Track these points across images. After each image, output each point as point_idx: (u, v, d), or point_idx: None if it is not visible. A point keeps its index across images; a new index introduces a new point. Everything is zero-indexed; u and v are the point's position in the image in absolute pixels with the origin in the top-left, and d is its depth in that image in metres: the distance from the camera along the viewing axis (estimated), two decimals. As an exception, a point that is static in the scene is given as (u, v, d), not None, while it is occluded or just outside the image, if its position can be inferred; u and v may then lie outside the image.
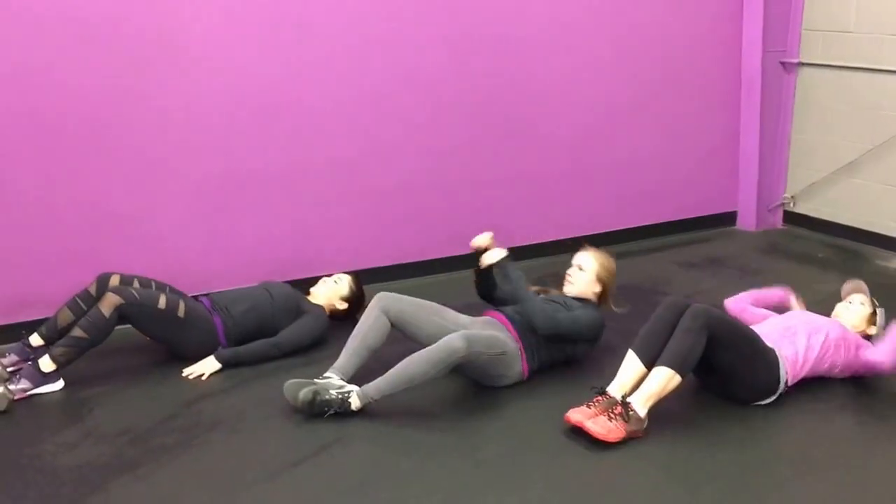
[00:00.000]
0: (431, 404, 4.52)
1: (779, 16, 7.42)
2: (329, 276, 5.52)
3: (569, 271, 4.99)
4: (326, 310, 5.37)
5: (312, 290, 5.45)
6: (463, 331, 4.47)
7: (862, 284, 5.07)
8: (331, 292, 5.43)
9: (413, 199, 6.37)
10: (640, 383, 4.25)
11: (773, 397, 4.49)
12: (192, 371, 4.86)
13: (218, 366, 4.89)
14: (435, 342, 4.48)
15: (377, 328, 4.64)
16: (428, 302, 4.84)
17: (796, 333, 4.58)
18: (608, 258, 5.02)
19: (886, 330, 4.73)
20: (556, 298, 4.91)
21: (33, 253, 5.26)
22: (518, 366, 4.68)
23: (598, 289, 4.96)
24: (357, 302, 5.44)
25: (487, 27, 6.40)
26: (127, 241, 5.46)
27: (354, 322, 4.81)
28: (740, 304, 5.19)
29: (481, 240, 4.92)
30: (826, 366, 4.63)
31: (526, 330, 4.72)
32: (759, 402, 4.49)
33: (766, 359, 4.42)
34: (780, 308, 5.11)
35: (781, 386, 4.46)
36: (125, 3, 5.23)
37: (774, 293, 5.24)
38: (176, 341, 4.95)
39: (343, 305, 5.43)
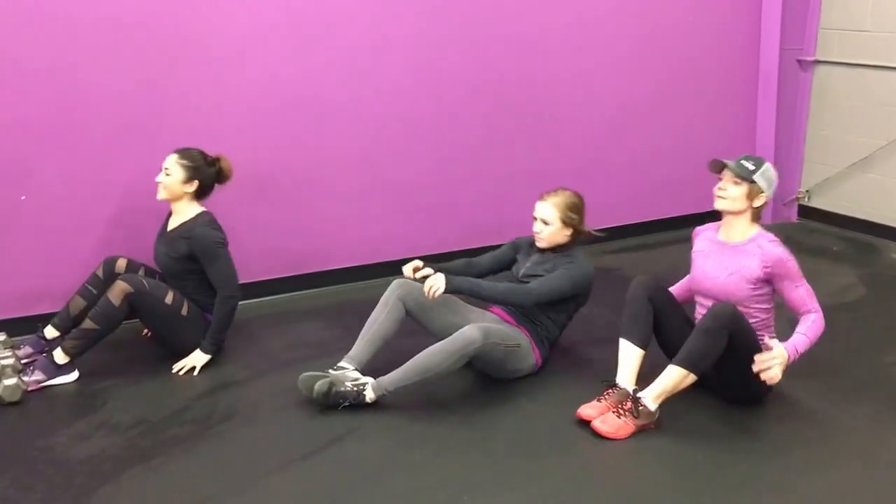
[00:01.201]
0: (444, 397, 4.52)
1: (796, 15, 7.44)
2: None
3: (535, 227, 4.83)
4: (188, 200, 4.99)
5: (158, 197, 4.96)
6: (479, 323, 4.46)
7: (720, 163, 4.47)
8: (171, 187, 4.93)
9: (430, 193, 6.37)
10: (642, 365, 4.28)
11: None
12: (182, 366, 4.81)
13: (207, 357, 4.84)
14: (446, 333, 4.49)
15: (393, 317, 4.62)
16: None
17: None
18: (567, 197, 4.84)
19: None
20: (537, 269, 4.82)
21: (54, 247, 5.28)
22: (531, 357, 4.69)
23: (567, 232, 4.81)
24: (204, 168, 4.98)
25: (506, 25, 6.42)
26: (150, 235, 5.44)
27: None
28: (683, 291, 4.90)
29: (409, 273, 4.71)
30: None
31: (524, 318, 4.72)
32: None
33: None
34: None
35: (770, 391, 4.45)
36: (153, 5, 5.27)
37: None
38: (173, 338, 4.91)
39: (193, 186, 4.95)
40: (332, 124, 5.95)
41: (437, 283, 4.43)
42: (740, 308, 4.25)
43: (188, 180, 4.93)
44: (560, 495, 3.70)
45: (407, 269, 4.70)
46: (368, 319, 4.65)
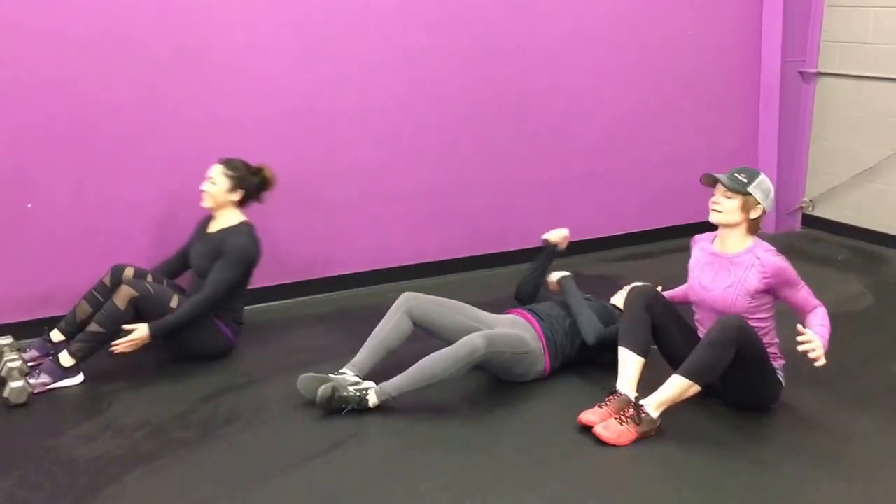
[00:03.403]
0: (447, 400, 4.53)
1: (798, 27, 7.48)
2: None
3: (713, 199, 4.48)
4: (231, 208, 5.11)
5: (203, 205, 5.09)
6: (485, 330, 4.48)
7: (711, 177, 4.42)
8: (216, 195, 5.06)
9: (432, 202, 6.40)
10: (642, 372, 4.28)
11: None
12: (120, 342, 4.73)
13: (147, 336, 4.74)
14: (458, 333, 4.54)
15: (398, 330, 4.64)
16: (450, 300, 4.82)
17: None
18: None
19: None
20: (598, 309, 4.94)
21: (61, 252, 5.32)
22: (541, 364, 4.71)
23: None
24: (248, 177, 5.11)
25: (510, 37, 6.46)
26: (154, 242, 5.50)
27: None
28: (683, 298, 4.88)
29: (555, 235, 5.01)
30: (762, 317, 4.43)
31: (552, 330, 4.74)
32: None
33: (771, 380, 4.38)
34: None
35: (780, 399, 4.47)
36: (158, 17, 5.33)
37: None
38: (182, 343, 4.96)
39: (237, 195, 5.09)
40: (333, 134, 5.99)
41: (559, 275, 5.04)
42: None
43: (233, 189, 5.06)
44: (562, 501, 3.71)
45: (554, 234, 5.21)
46: (374, 330, 4.67)
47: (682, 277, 4.73)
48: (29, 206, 5.20)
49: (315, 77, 5.86)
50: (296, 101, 5.83)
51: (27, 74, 5.06)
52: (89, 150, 5.30)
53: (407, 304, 4.69)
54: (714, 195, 4.39)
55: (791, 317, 4.38)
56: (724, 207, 4.33)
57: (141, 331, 4.73)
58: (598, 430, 4.11)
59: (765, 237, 6.09)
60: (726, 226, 4.38)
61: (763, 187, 4.34)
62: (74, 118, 5.23)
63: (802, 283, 4.34)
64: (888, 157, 7.10)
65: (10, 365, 4.60)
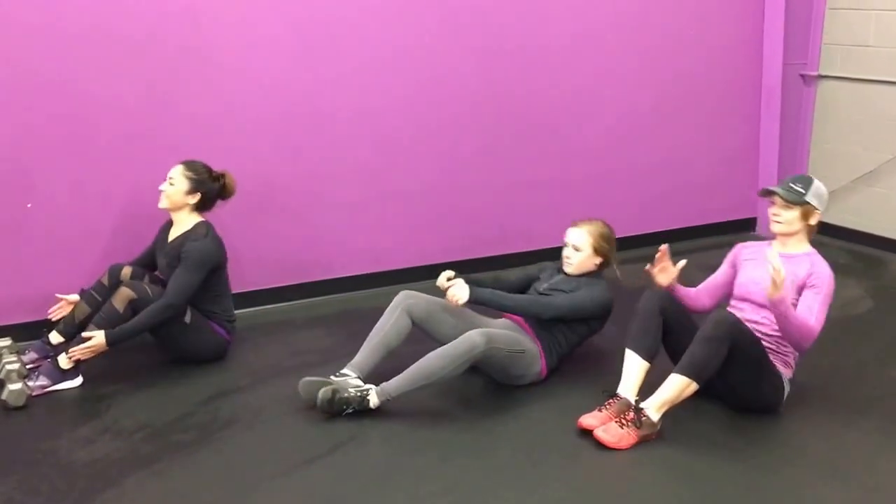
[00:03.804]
0: (447, 404, 4.53)
1: (799, 30, 7.48)
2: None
3: (565, 252, 4.91)
4: (188, 211, 5.01)
5: (160, 206, 5.00)
6: (483, 328, 4.47)
7: (771, 189, 4.52)
8: (173, 196, 4.96)
9: (436, 203, 6.39)
10: (645, 378, 4.28)
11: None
12: (76, 349, 4.62)
13: (104, 344, 4.61)
14: (453, 336, 4.52)
15: (398, 328, 4.64)
16: (447, 301, 4.81)
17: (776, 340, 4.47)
18: (602, 226, 4.95)
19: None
20: (559, 285, 4.87)
21: (60, 253, 5.31)
22: (537, 365, 4.70)
23: (598, 261, 4.92)
24: (208, 182, 5.02)
25: (511, 38, 6.46)
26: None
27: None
28: (696, 299, 4.86)
29: (443, 282, 4.74)
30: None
31: (541, 328, 4.73)
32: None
33: (772, 381, 4.38)
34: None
35: (783, 404, 4.47)
36: (160, 16, 5.31)
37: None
38: (178, 345, 4.94)
39: (195, 198, 4.98)
40: (334, 135, 5.97)
41: (460, 293, 4.49)
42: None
43: (191, 192, 4.97)
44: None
45: (441, 280, 4.74)
46: (373, 329, 4.67)
47: (683, 281, 4.73)
48: (28, 206, 5.18)
49: (315, 77, 5.84)
50: (296, 102, 5.81)
51: (27, 73, 5.05)
52: (89, 150, 5.29)
53: (406, 302, 4.70)
54: (772, 207, 4.50)
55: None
56: (785, 218, 4.47)
57: (98, 338, 4.62)
58: (599, 433, 4.11)
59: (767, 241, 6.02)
60: (787, 235, 4.51)
61: (818, 193, 4.47)
62: (75, 118, 5.21)
63: (825, 303, 4.35)
64: (888, 160, 7.10)
65: (8, 367, 4.59)
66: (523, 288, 5.10)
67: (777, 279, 4.01)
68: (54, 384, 4.63)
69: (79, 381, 4.70)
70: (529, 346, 4.65)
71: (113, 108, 5.29)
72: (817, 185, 4.47)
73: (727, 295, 4.77)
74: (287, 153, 5.82)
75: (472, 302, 4.54)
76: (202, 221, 5.04)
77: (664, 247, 4.66)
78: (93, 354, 4.67)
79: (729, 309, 4.57)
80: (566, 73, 6.74)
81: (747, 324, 4.32)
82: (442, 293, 4.69)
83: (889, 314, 5.99)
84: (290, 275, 5.97)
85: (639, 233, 7.24)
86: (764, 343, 4.34)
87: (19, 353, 4.85)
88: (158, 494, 3.76)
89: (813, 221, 4.48)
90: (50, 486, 3.78)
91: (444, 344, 4.50)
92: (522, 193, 6.70)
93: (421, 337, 4.74)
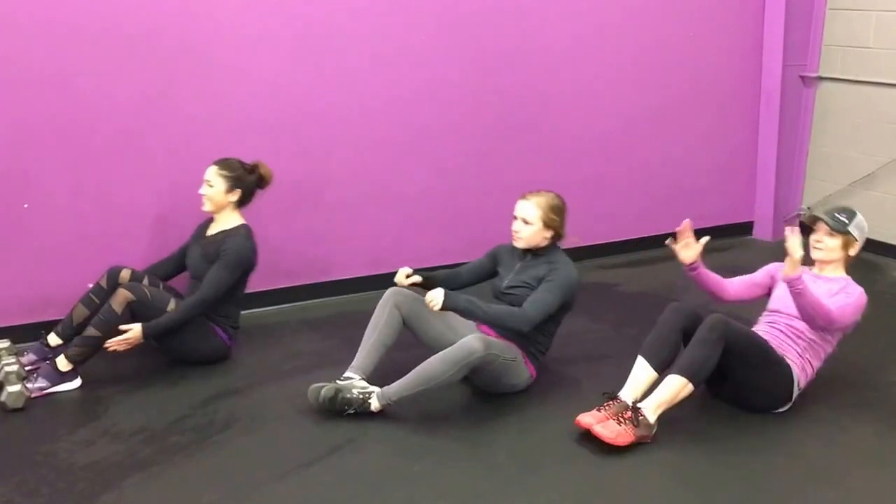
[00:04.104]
0: (444, 409, 4.54)
1: (799, 31, 7.46)
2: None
3: (514, 227, 4.77)
4: (231, 210, 5.10)
5: (204, 209, 5.10)
6: (479, 334, 4.46)
7: (817, 215, 4.71)
8: (215, 198, 5.05)
9: (432, 204, 6.39)
10: (651, 389, 4.28)
11: (788, 406, 4.51)
12: (114, 340, 4.69)
13: (140, 336, 4.72)
14: (438, 344, 4.57)
15: (391, 324, 4.66)
16: None
17: (795, 339, 4.54)
18: (552, 198, 4.80)
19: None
20: (519, 280, 4.77)
21: (58, 254, 5.31)
22: (526, 371, 4.69)
23: (548, 234, 4.76)
24: (245, 176, 5.10)
25: (510, 39, 6.46)
26: (153, 245, 5.50)
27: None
28: (728, 289, 4.97)
29: (402, 280, 4.75)
30: (822, 358, 4.63)
31: (513, 335, 4.67)
32: (774, 411, 4.52)
33: (779, 370, 4.42)
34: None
35: (795, 394, 4.49)
36: (158, 14, 5.31)
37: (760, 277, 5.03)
38: (177, 346, 4.95)
39: (236, 195, 5.07)
40: (333, 135, 5.98)
41: (436, 298, 4.43)
42: (812, 335, 4.50)
43: (230, 190, 5.04)
44: (559, 508, 3.72)
45: (399, 277, 4.75)
46: (367, 329, 4.68)
47: (681, 285, 4.73)
48: (26, 206, 5.19)
49: (313, 77, 5.85)
50: (294, 102, 5.82)
51: (24, 71, 5.04)
52: (87, 150, 5.28)
53: (394, 299, 4.72)
54: (815, 234, 4.67)
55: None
56: (826, 246, 4.64)
57: (135, 331, 4.70)
58: (598, 429, 4.11)
59: (764, 245, 6.03)
60: (826, 262, 4.68)
61: (861, 226, 4.66)
62: (72, 117, 5.21)
63: (852, 305, 4.52)
64: (886, 164, 7.09)
65: (7, 369, 4.60)
66: (476, 283, 5.04)
67: (794, 256, 4.19)
68: (53, 386, 4.63)
69: (77, 383, 4.71)
70: (518, 354, 4.63)
71: (111, 107, 5.29)
72: (860, 218, 4.66)
73: (755, 297, 4.94)
74: (283, 154, 5.81)
75: (447, 309, 4.47)
76: (244, 224, 5.11)
77: (687, 221, 4.74)
78: (129, 346, 4.74)
79: (763, 319, 4.72)
80: (564, 75, 6.74)
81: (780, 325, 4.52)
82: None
83: (885, 319, 5.99)
84: (287, 276, 5.97)
85: (636, 236, 7.26)
86: (800, 344, 4.50)
87: (18, 354, 4.85)
88: (157, 497, 3.76)
89: (852, 252, 4.66)
90: (50, 488, 3.78)
91: (431, 347, 4.58)
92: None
93: (418, 342, 4.77)
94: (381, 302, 4.73)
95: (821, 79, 7.56)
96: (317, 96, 5.88)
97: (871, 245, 7.16)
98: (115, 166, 5.37)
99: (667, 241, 4.71)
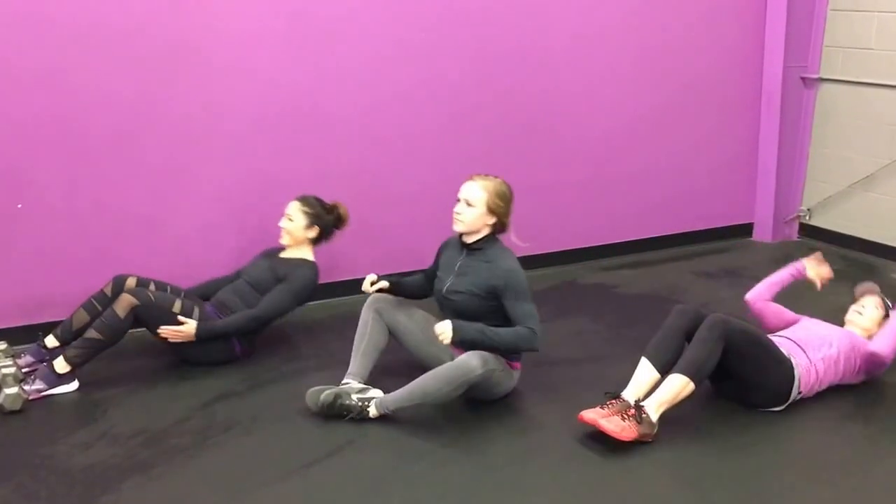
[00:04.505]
0: (443, 410, 4.51)
1: (800, 32, 7.43)
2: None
3: (456, 208, 4.59)
4: (305, 245, 5.32)
5: (281, 241, 5.31)
6: (475, 351, 4.35)
7: (874, 287, 5.10)
8: (293, 232, 5.26)
9: (433, 206, 6.33)
10: (654, 390, 4.28)
11: (785, 405, 4.52)
12: (167, 328, 4.78)
13: (193, 333, 4.82)
14: (419, 353, 4.67)
15: (377, 328, 4.70)
16: (420, 311, 4.83)
17: (808, 347, 4.60)
18: (500, 184, 4.61)
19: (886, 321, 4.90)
20: (459, 284, 4.58)
21: (53, 255, 5.28)
22: (512, 371, 4.60)
23: (491, 220, 4.57)
24: (324, 215, 5.33)
25: (511, 38, 6.43)
26: (148, 245, 5.48)
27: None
28: (761, 299, 5.06)
29: (367, 287, 4.70)
30: (837, 378, 4.68)
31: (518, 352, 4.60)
32: (771, 409, 4.53)
33: (781, 367, 4.45)
34: (798, 283, 5.15)
35: (794, 394, 4.49)
36: (151, 12, 5.27)
37: (787, 274, 5.13)
38: (187, 346, 4.92)
39: (314, 231, 5.30)
40: (332, 135, 5.95)
41: (445, 331, 4.29)
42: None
43: (309, 226, 5.28)
44: (559, 510, 3.71)
45: (365, 284, 4.73)
46: (356, 336, 4.69)
47: (677, 287, 4.74)
48: (19, 206, 5.15)
49: (312, 76, 5.82)
50: (292, 101, 5.79)
51: (15, 67, 5.00)
52: (82, 148, 5.25)
53: (375, 306, 4.75)
54: (861, 300, 5.02)
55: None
56: (870, 315, 4.95)
57: (189, 326, 4.81)
58: (602, 423, 4.10)
59: (764, 246, 6.01)
60: (863, 329, 4.91)
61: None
62: (66, 114, 5.17)
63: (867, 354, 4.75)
64: (885, 166, 7.08)
65: (4, 371, 4.57)
66: (429, 285, 4.89)
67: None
68: (50, 388, 4.60)
69: (75, 385, 4.68)
70: (501, 360, 4.50)
71: (106, 104, 5.25)
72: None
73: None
74: (282, 153, 5.80)
75: (458, 344, 4.35)
76: (314, 262, 5.30)
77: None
78: (179, 338, 4.82)
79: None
80: (565, 76, 6.72)
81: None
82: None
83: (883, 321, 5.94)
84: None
85: (637, 237, 7.24)
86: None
87: (15, 356, 4.83)
88: (156, 499, 3.75)
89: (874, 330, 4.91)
90: (48, 491, 3.77)
91: (413, 354, 4.70)
92: (520, 197, 6.64)
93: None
94: (362, 312, 4.76)
95: (822, 80, 7.53)
96: (316, 95, 5.85)
97: (870, 246, 7.23)
98: (109, 165, 5.34)
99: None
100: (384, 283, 4.75)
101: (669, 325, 4.46)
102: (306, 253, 5.32)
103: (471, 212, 4.57)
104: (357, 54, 5.92)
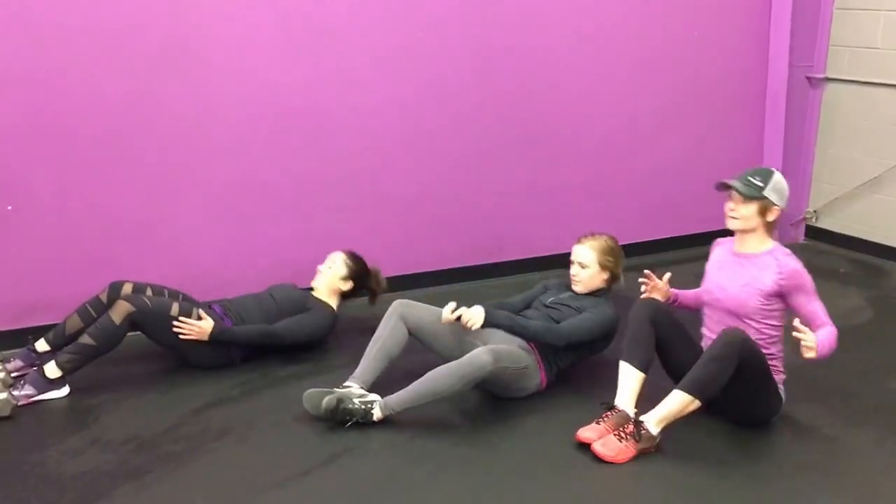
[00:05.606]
0: (445, 416, 4.47)
1: (806, 31, 7.41)
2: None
3: (572, 271, 4.91)
4: (335, 295, 5.37)
5: (313, 283, 5.38)
6: (489, 345, 4.40)
7: (723, 184, 4.40)
8: (330, 279, 5.35)
9: (432, 209, 6.33)
10: (642, 388, 4.22)
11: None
12: (183, 323, 4.78)
13: (208, 330, 4.82)
14: (451, 353, 4.51)
15: (396, 336, 4.61)
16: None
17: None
18: (607, 241, 4.94)
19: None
20: (566, 301, 4.88)
21: (45, 258, 5.21)
22: (537, 377, 4.64)
23: (605, 276, 4.91)
24: (360, 274, 5.43)
25: (511, 38, 6.39)
26: (141, 248, 5.43)
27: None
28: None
29: (448, 316, 4.58)
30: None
31: (541, 342, 4.66)
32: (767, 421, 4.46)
33: (774, 397, 4.34)
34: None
35: (779, 414, 4.43)
36: (145, 11, 5.20)
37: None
38: (187, 349, 4.87)
39: (348, 285, 5.38)
40: (330, 136, 5.90)
41: (474, 316, 4.44)
42: (750, 322, 4.26)
43: (346, 278, 5.37)
44: (561, 517, 3.66)
45: (445, 313, 4.57)
46: (372, 339, 4.63)
47: (681, 289, 4.70)
48: (9, 208, 5.08)
49: (310, 77, 5.76)
50: (289, 102, 5.73)
51: (6, 67, 4.92)
52: (74, 149, 5.17)
53: (401, 310, 4.67)
54: (729, 201, 4.34)
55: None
56: (741, 214, 4.31)
57: (206, 324, 4.82)
58: (597, 447, 4.06)
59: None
60: (745, 231, 4.35)
61: (778, 188, 4.29)
62: (58, 114, 5.09)
63: (817, 296, 4.27)
64: (893, 167, 7.04)
65: (-7, 375, 4.49)
66: (527, 308, 5.06)
67: (807, 344, 3.99)
68: (41, 394, 4.53)
69: (66, 391, 4.61)
70: (531, 360, 4.59)
71: (99, 104, 5.18)
72: (777, 178, 4.29)
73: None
74: (279, 155, 5.74)
75: (488, 325, 4.49)
76: (336, 313, 5.33)
77: (647, 272, 4.69)
78: (194, 334, 4.80)
79: (705, 319, 4.55)
80: (567, 76, 6.68)
81: (712, 336, 4.35)
82: (438, 302, 4.66)
83: (890, 324, 5.95)
84: (282, 280, 5.85)
85: (641, 240, 7.18)
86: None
87: (4, 361, 4.74)
88: (148, 508, 3.70)
89: (771, 218, 4.31)
90: (39, 500, 3.70)
91: (442, 355, 4.55)
92: (521, 200, 6.64)
93: (422, 348, 4.73)
94: (387, 314, 4.69)
95: (827, 80, 7.51)
96: (313, 96, 5.79)
97: (876, 248, 7.19)
98: (102, 167, 5.27)
99: (642, 294, 4.67)
100: (464, 309, 4.56)
101: (634, 319, 4.35)
102: (333, 302, 5.34)
103: (585, 272, 4.89)
104: (355, 56, 5.87)
